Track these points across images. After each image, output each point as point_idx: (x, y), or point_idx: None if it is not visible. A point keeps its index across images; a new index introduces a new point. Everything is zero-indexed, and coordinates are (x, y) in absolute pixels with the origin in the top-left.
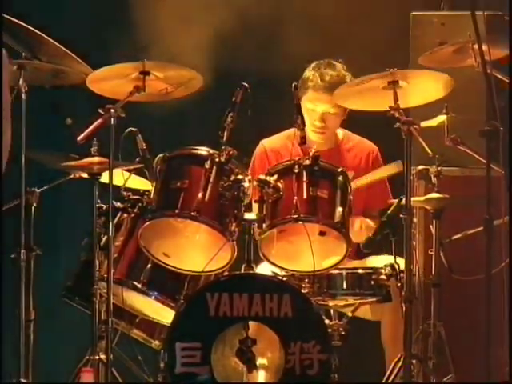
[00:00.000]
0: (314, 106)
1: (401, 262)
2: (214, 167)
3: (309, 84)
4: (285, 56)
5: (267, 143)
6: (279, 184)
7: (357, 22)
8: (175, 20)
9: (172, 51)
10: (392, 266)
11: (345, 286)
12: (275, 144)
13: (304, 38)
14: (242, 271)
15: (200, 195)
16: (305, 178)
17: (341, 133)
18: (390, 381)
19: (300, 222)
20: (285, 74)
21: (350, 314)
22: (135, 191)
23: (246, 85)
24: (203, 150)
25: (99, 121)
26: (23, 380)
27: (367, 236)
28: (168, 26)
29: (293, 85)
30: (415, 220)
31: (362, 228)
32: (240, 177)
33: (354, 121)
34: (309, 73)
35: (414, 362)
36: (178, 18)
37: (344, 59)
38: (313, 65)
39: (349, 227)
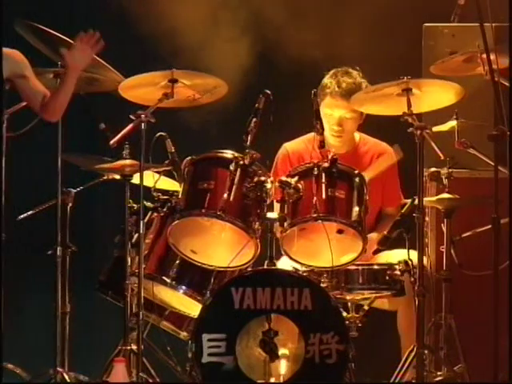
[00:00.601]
0: (331, 111)
1: (413, 256)
2: (239, 169)
3: (327, 90)
4: (304, 64)
5: (289, 146)
6: (299, 185)
7: (373, 33)
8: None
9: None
10: (406, 261)
11: (361, 281)
12: (297, 147)
13: (323, 48)
14: (265, 267)
15: (225, 196)
16: (323, 180)
17: (357, 136)
18: (404, 369)
19: (319, 221)
20: (304, 81)
21: (366, 307)
22: (164, 192)
23: (268, 92)
24: (228, 154)
25: (130, 126)
26: (59, 369)
27: (382, 236)
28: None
29: (312, 92)
30: (427, 219)
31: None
32: (263, 178)
33: (371, 125)
34: (327, 80)
35: (426, 352)
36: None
37: (361, 67)
38: (331, 72)
39: (365, 226)
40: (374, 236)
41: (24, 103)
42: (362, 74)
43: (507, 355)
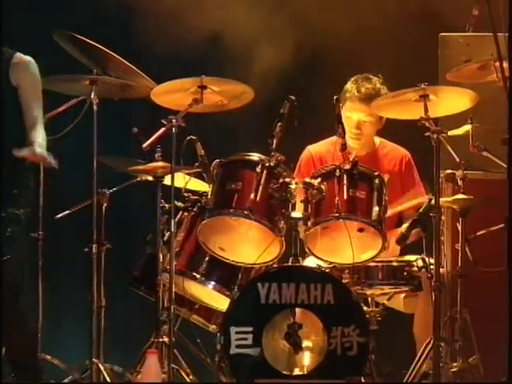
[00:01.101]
0: (350, 115)
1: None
2: (265, 171)
3: (347, 95)
4: (327, 71)
5: (313, 149)
6: (322, 186)
7: (394, 43)
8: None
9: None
10: (423, 259)
11: (381, 277)
12: (320, 149)
13: (346, 56)
14: (290, 263)
15: (252, 196)
16: (345, 181)
17: (378, 140)
18: (421, 360)
19: (341, 220)
20: (326, 87)
21: (385, 302)
22: (194, 192)
23: (293, 98)
24: (255, 156)
25: (162, 130)
26: (95, 360)
27: (400, 234)
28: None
29: (334, 97)
30: (443, 218)
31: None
32: (287, 180)
33: (390, 130)
34: (348, 85)
35: (442, 344)
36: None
37: (381, 74)
38: (352, 78)
39: (384, 224)
40: (392, 236)
41: (62, 108)
42: (382, 80)
43: None
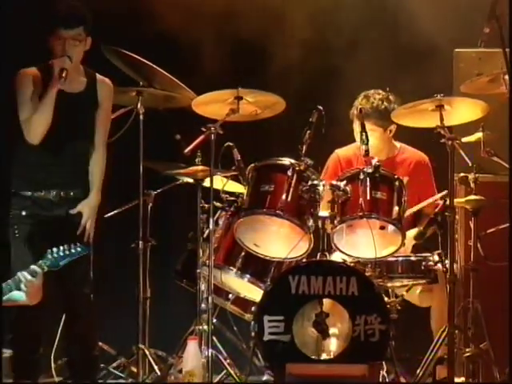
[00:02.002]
0: (358, 130)
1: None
2: (295, 174)
3: (354, 114)
4: (350, 83)
5: (340, 152)
6: (347, 188)
7: (411, 55)
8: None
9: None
10: (439, 254)
11: (400, 271)
12: (346, 153)
13: (362, 68)
14: (318, 258)
15: (283, 197)
16: (368, 183)
17: (398, 145)
18: (437, 346)
19: (364, 219)
20: (350, 99)
21: (404, 293)
22: (231, 193)
23: (321, 108)
24: (286, 161)
25: (202, 137)
26: (141, 346)
27: (418, 231)
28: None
29: (358, 108)
30: (457, 217)
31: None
32: (316, 182)
33: (411, 136)
34: (356, 102)
35: (456, 331)
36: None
37: (401, 86)
38: (363, 94)
39: (403, 223)
40: (410, 234)
41: (112, 116)
42: (388, 94)
43: None
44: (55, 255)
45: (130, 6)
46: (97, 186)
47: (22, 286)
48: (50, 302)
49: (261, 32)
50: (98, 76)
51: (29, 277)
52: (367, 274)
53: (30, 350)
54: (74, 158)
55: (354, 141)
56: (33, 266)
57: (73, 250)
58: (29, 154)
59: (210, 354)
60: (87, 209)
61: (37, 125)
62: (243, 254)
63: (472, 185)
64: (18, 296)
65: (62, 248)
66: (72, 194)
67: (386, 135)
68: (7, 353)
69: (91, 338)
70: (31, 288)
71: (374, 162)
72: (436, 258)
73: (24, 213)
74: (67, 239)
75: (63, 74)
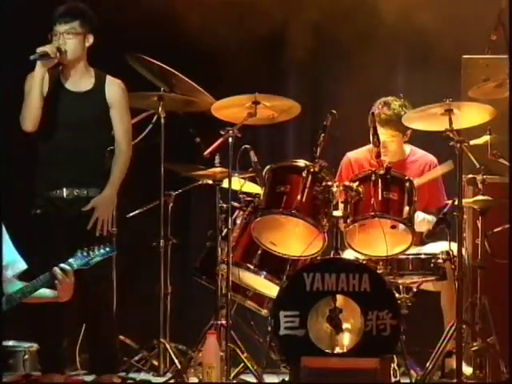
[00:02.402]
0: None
1: (453, 248)
2: (310, 175)
3: (374, 117)
4: (360, 89)
5: (351, 155)
6: (360, 189)
7: (422, 62)
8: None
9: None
10: (447, 252)
11: (410, 268)
12: (358, 156)
13: (375, 74)
14: (331, 256)
15: (299, 197)
16: (380, 184)
17: (408, 148)
18: (446, 340)
19: (376, 218)
20: (362, 102)
21: (414, 289)
22: (249, 194)
23: (334, 112)
24: (301, 162)
25: (221, 140)
26: (162, 340)
27: (426, 227)
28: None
29: (370, 112)
30: (465, 216)
31: (424, 219)
32: (330, 183)
33: (421, 139)
34: (374, 107)
35: (464, 326)
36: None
37: (412, 91)
38: (377, 102)
39: (414, 222)
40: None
41: (134, 120)
42: (402, 101)
43: None
44: (85, 254)
45: (150, 14)
46: (112, 183)
47: (56, 283)
48: (73, 299)
49: (275, 38)
50: (109, 77)
51: (60, 275)
52: (379, 271)
53: (54, 344)
54: (87, 158)
55: (363, 143)
56: (63, 265)
57: (102, 251)
58: (42, 154)
59: (227, 348)
60: (99, 203)
61: (23, 113)
62: (260, 252)
63: (480, 186)
64: (48, 293)
65: (92, 248)
66: (86, 192)
67: (403, 140)
68: (34, 346)
69: (111, 336)
70: (63, 285)
71: (386, 164)
72: (445, 255)
73: (39, 211)
74: (81, 236)
75: (48, 55)
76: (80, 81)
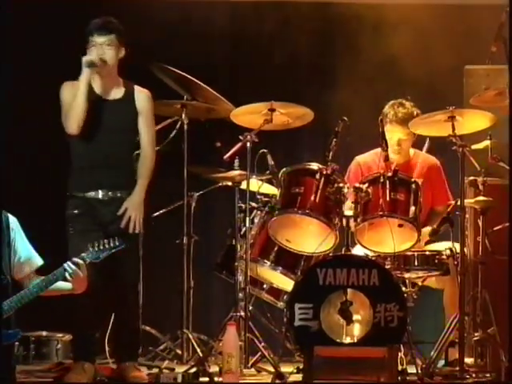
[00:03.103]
0: (391, 135)
1: (456, 245)
2: (322, 178)
3: (387, 119)
4: (368, 96)
5: (360, 158)
6: (369, 190)
7: (427, 71)
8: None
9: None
10: (450, 249)
11: (416, 263)
12: (366, 159)
13: (384, 83)
14: (343, 252)
15: (312, 198)
16: (387, 186)
17: (412, 151)
18: (449, 331)
19: (384, 217)
20: (370, 109)
21: (420, 284)
22: (266, 195)
23: (346, 118)
24: (314, 165)
25: (239, 144)
26: (185, 330)
27: (432, 229)
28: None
29: (379, 118)
30: (467, 216)
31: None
32: (341, 185)
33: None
34: (387, 110)
35: (466, 318)
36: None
37: (419, 99)
38: (389, 104)
39: (419, 221)
40: (425, 230)
41: (158, 127)
42: (413, 103)
43: None
44: (96, 249)
45: (169, 28)
46: (141, 184)
47: (68, 276)
48: (104, 291)
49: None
50: (137, 87)
51: (73, 268)
52: (387, 266)
53: (87, 335)
54: (119, 161)
55: (373, 147)
56: (75, 259)
57: (111, 244)
58: (79, 158)
59: (246, 338)
60: (130, 204)
61: (70, 116)
62: (276, 248)
63: (480, 187)
64: (64, 285)
65: (101, 242)
66: (119, 194)
67: (413, 140)
68: (66, 336)
69: (134, 323)
70: (76, 278)
71: (393, 166)
72: (448, 252)
73: (76, 211)
74: (115, 234)
75: (94, 63)
76: (112, 90)
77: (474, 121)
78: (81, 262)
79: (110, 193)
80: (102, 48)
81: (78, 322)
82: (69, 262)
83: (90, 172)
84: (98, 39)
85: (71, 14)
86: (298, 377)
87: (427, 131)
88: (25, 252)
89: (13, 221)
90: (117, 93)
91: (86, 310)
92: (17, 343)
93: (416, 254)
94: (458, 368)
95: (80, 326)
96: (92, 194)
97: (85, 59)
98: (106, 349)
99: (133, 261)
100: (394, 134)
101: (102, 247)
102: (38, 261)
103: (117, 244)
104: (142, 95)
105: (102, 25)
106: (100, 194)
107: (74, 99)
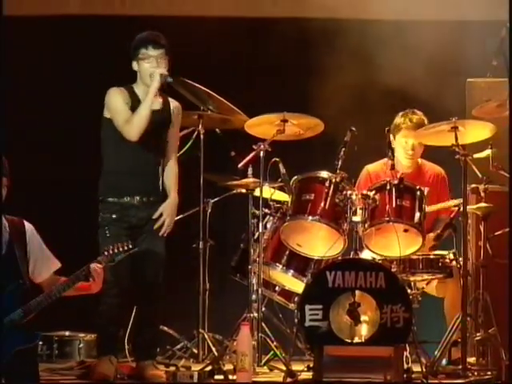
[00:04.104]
0: (406, 140)
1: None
2: (332, 185)
3: (402, 126)
4: (377, 110)
5: (370, 167)
6: (376, 197)
7: (430, 84)
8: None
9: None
10: (454, 252)
11: (421, 267)
12: (375, 168)
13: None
14: (351, 256)
15: (322, 204)
16: (394, 193)
17: (419, 160)
18: (452, 331)
19: (390, 223)
20: (378, 120)
21: (424, 286)
22: (278, 202)
23: (354, 128)
24: (324, 174)
25: (253, 153)
26: (201, 330)
27: (436, 234)
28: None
29: (386, 129)
30: (469, 222)
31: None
32: (350, 192)
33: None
34: (400, 119)
35: (468, 318)
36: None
37: (425, 110)
38: (401, 113)
39: (424, 226)
40: (430, 236)
41: (181, 134)
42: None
43: None
44: (111, 252)
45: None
46: (174, 189)
47: (88, 277)
48: (128, 292)
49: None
50: (170, 99)
51: (92, 271)
52: (393, 269)
53: (111, 334)
54: (150, 169)
55: (382, 156)
56: (95, 261)
57: (125, 248)
58: (114, 165)
59: (259, 338)
60: (168, 208)
61: (135, 124)
62: (288, 252)
63: (482, 194)
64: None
65: (116, 246)
66: (151, 199)
67: (422, 148)
68: (89, 336)
69: (158, 321)
70: (95, 279)
71: (399, 175)
72: (451, 256)
73: (114, 216)
74: (148, 237)
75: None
76: (154, 100)
77: (475, 131)
78: (99, 265)
79: (144, 198)
80: (156, 61)
81: (104, 320)
82: (90, 265)
83: (126, 178)
84: (153, 52)
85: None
86: (309, 375)
87: (432, 141)
88: (42, 256)
89: (28, 227)
90: (157, 103)
91: (112, 307)
92: (40, 342)
93: (421, 257)
94: (460, 366)
95: (105, 323)
96: (127, 199)
97: (162, 72)
98: (126, 347)
99: (159, 262)
100: (409, 139)
101: (116, 250)
102: (56, 264)
103: (130, 247)
104: (176, 107)
105: (154, 39)
106: (136, 198)
107: (126, 106)
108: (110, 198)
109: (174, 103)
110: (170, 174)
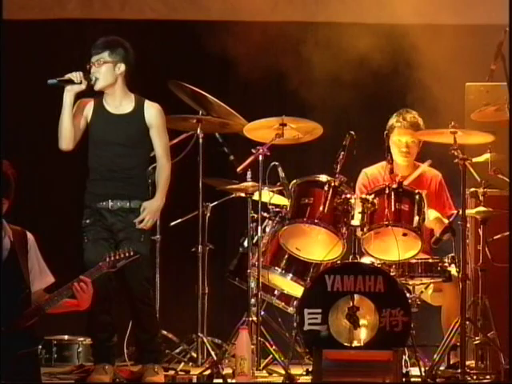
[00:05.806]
0: (400, 138)
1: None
2: (331, 189)
3: (396, 124)
4: (377, 114)
5: (368, 171)
6: (375, 201)
7: (430, 89)
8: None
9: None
10: (452, 256)
11: (420, 271)
12: (373, 172)
13: (395, 99)
14: (350, 260)
15: (321, 208)
16: (393, 197)
17: (417, 163)
18: (451, 335)
19: (389, 227)
20: (377, 123)
21: (423, 290)
22: (277, 205)
23: (353, 132)
24: (323, 178)
25: (252, 157)
26: (200, 334)
27: (439, 225)
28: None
29: (384, 133)
30: (468, 225)
31: (435, 219)
32: (348, 196)
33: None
34: (393, 119)
35: (467, 322)
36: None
37: (425, 113)
38: (395, 114)
39: (423, 230)
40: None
41: (175, 141)
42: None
43: None
44: (112, 258)
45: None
46: (161, 191)
47: (75, 293)
48: (120, 297)
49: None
50: (147, 101)
51: (78, 287)
52: (392, 273)
53: (105, 339)
54: (129, 173)
55: (380, 160)
56: (82, 276)
57: (127, 254)
58: (92, 171)
59: (258, 342)
60: (148, 206)
61: (59, 134)
62: (287, 256)
63: (481, 198)
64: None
65: (117, 252)
66: (128, 204)
67: (419, 147)
68: (87, 340)
69: (153, 326)
70: (82, 295)
71: (398, 179)
72: (450, 259)
73: (88, 221)
74: (125, 241)
75: (67, 81)
76: (121, 104)
77: (474, 140)
78: (87, 279)
79: (118, 203)
80: (94, 66)
81: (92, 328)
82: (75, 281)
83: (101, 184)
84: (92, 58)
85: None
86: (308, 379)
87: (432, 138)
88: (38, 269)
89: (30, 237)
90: (126, 107)
91: (97, 315)
92: (39, 346)
93: (420, 261)
94: (459, 370)
95: (94, 331)
96: (103, 204)
97: (65, 76)
98: (125, 352)
99: (143, 265)
100: (403, 137)
101: (117, 257)
102: (50, 279)
103: (132, 254)
104: (151, 109)
105: (96, 44)
106: (110, 204)
107: (64, 116)
108: (88, 203)
109: (148, 105)
110: (160, 173)
